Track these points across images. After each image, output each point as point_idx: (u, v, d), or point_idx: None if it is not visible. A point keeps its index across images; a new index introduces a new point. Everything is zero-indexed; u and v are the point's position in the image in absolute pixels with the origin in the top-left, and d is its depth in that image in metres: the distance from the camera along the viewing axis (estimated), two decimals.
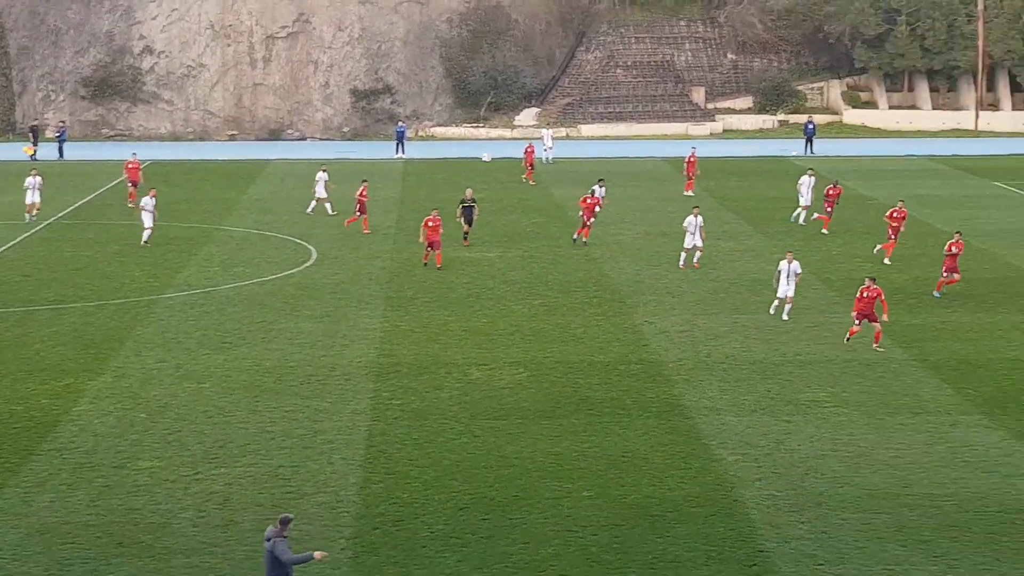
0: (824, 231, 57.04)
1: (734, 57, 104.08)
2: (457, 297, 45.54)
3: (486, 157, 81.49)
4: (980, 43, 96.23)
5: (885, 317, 38.83)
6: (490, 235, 55.09)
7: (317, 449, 30.65)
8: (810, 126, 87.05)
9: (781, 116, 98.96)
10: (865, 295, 38.57)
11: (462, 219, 54.11)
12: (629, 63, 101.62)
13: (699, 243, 49.59)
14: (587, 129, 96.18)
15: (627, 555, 25.22)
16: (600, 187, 59.69)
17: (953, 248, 45.24)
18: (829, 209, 57.56)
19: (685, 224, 49.75)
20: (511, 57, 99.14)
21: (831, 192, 58.04)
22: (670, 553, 25.30)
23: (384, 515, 26.95)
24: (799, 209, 59.22)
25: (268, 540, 21.77)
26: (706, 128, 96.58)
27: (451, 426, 32.22)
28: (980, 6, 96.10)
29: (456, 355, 38.38)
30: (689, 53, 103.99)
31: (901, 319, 42.37)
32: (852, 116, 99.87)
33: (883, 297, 38.70)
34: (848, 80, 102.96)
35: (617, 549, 25.47)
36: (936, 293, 45.27)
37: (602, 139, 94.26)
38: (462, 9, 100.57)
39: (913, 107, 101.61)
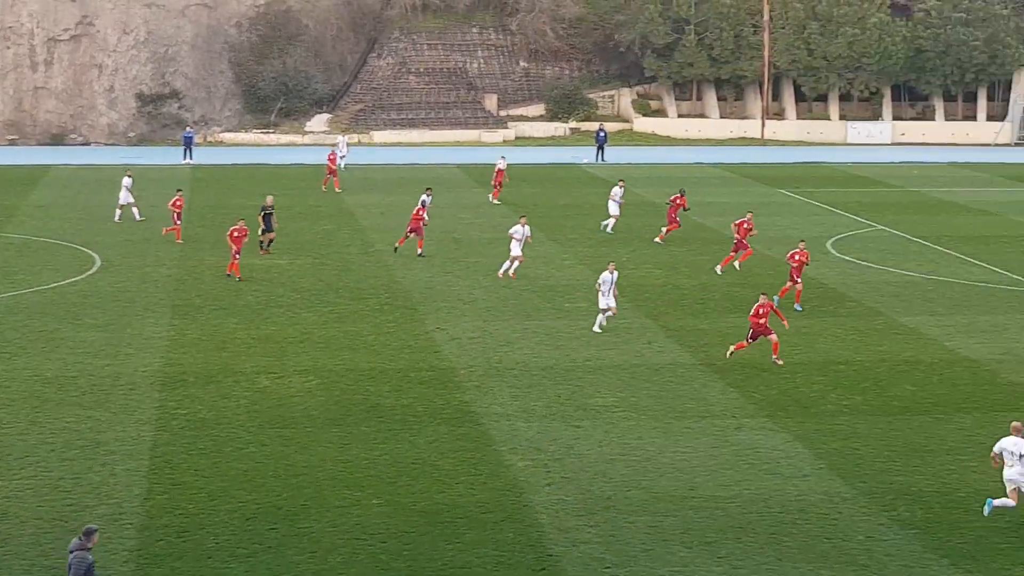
0: (659, 240, 57.37)
1: (526, 65, 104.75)
2: (246, 305, 44.93)
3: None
4: (766, 53, 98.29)
5: (785, 324, 39.01)
6: (280, 242, 54.49)
7: (99, 460, 29.92)
8: (601, 134, 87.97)
9: (573, 124, 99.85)
10: (761, 312, 37.87)
11: (263, 227, 53.34)
12: (421, 70, 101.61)
13: (519, 253, 49.01)
14: (379, 136, 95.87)
15: (416, 562, 25.09)
16: (427, 196, 59.46)
17: (797, 256, 45.11)
18: (674, 216, 57.87)
19: (512, 232, 49.43)
20: (302, 62, 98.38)
21: (677, 200, 58.47)
22: (459, 559, 25.24)
23: (168, 527, 26.41)
24: (610, 219, 59.63)
25: (72, 553, 21.27)
26: (499, 135, 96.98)
27: (239, 435, 31.74)
28: (766, 17, 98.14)
29: (244, 363, 37.84)
30: (481, 60, 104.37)
31: (688, 323, 43.01)
32: (642, 124, 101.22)
33: (776, 308, 38.96)
34: (638, 88, 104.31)
35: (407, 556, 25.32)
36: (797, 306, 44.74)
37: (395, 146, 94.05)
38: (251, 14, 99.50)
39: (702, 115, 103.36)
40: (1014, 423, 27.62)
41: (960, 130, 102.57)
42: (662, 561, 25.30)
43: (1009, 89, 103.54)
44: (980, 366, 38.65)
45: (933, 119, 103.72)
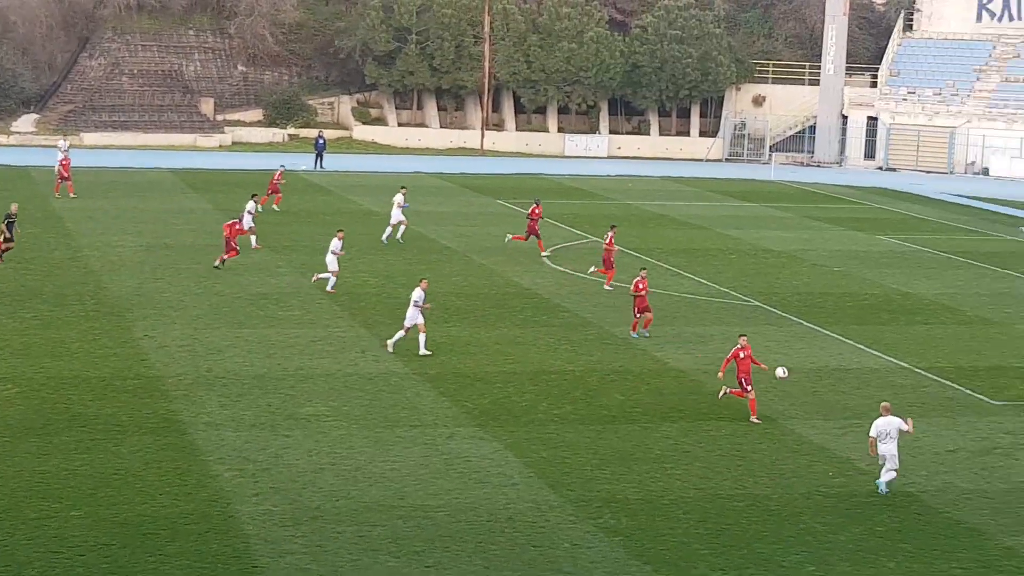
0: (544, 253, 57.28)
1: (244, 69, 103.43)
2: None
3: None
4: (486, 64, 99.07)
5: (764, 366, 36.23)
6: None
7: None
8: (320, 141, 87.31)
9: (291, 130, 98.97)
10: (741, 355, 35.16)
11: (6, 235, 51.27)
12: (135, 71, 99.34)
13: (336, 268, 47.71)
14: (90, 138, 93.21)
15: None
16: (403, 194, 58.89)
17: (640, 285, 43.56)
18: (533, 226, 57.60)
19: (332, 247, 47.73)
20: (9, 60, 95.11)
21: (535, 212, 58.13)
22: (162, 572, 24.57)
23: None
24: (389, 227, 59.07)
25: None
26: (215, 140, 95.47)
27: None
28: (487, 29, 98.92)
29: None
30: (198, 63, 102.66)
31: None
32: (362, 132, 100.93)
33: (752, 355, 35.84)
34: (359, 96, 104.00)
35: (106, 569, 24.54)
36: (646, 332, 43.57)
37: (107, 148, 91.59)
38: None
39: (422, 125, 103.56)
40: (884, 404, 30.65)
41: (674, 145, 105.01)
42: (370, 571, 25.06)
43: (721, 106, 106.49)
44: (687, 376, 39.43)
45: (648, 134, 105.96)
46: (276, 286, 49.10)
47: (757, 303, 49.95)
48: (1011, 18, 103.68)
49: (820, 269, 57.95)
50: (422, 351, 39.96)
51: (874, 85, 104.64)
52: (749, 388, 35.16)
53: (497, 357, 40.22)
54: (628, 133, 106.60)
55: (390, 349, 40.22)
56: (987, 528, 28.41)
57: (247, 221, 55.28)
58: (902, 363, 41.85)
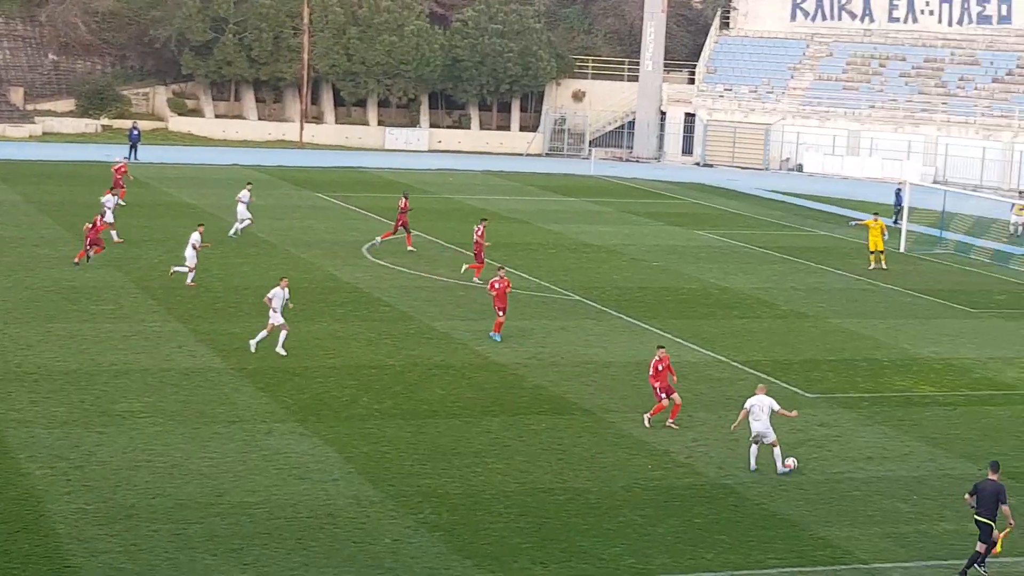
0: (410, 248, 56.64)
1: (56, 58, 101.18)
2: None
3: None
4: (305, 56, 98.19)
5: (674, 378, 35.11)
6: None
7: None
8: (135, 132, 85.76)
9: (105, 120, 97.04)
10: (660, 368, 34.24)
11: None
12: None
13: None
14: None
15: None
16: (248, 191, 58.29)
17: (496, 284, 42.67)
18: (403, 220, 56.94)
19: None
20: None
21: (404, 206, 57.51)
22: None
23: None
24: (237, 224, 57.99)
25: None
26: (25, 130, 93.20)
27: None
28: (306, 20, 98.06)
29: None
30: (7, 52, 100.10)
31: (221, 327, 42.24)
32: (178, 123, 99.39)
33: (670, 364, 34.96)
34: (175, 87, 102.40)
35: None
36: (496, 335, 42.61)
37: None
38: None
39: (240, 117, 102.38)
40: (760, 385, 32.31)
41: (495, 139, 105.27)
42: (186, 569, 24.57)
43: (541, 101, 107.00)
44: (507, 370, 39.43)
45: (469, 128, 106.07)
46: (89, 280, 48.02)
47: (577, 297, 50.19)
48: (824, 17, 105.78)
49: (639, 264, 58.45)
50: (278, 349, 39.28)
51: (692, 82, 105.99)
52: (672, 395, 34.35)
53: (317, 352, 39.81)
54: (449, 127, 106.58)
55: (252, 348, 39.44)
56: (802, 519, 28.83)
57: (108, 216, 54.03)
58: (720, 356, 42.34)
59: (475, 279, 51.04)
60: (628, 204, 77.82)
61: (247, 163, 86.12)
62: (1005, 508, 26.08)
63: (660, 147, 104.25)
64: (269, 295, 39.67)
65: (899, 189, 71.91)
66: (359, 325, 43.73)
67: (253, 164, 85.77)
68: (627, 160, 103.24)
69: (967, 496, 26.61)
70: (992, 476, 26.44)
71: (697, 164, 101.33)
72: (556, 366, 40.17)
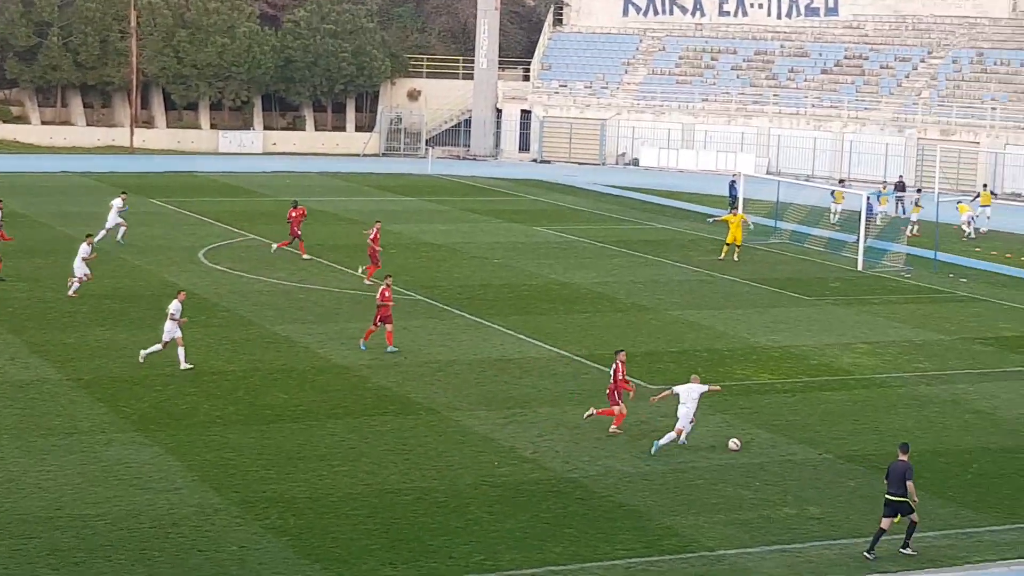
0: (305, 256, 55.75)
1: None
2: None
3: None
4: (133, 60, 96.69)
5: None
6: None
7: None
8: None
9: None
10: (620, 376, 33.85)
11: None
12: None
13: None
14: None
15: None
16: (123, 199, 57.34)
17: (387, 294, 41.65)
18: (298, 233, 56.13)
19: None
20: None
21: (294, 214, 56.65)
22: None
23: None
24: (103, 231, 56.74)
25: None
26: None
27: None
28: (133, 23, 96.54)
29: None
30: None
31: (54, 338, 41.43)
32: (3, 131, 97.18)
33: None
34: None
35: None
36: (392, 347, 41.43)
37: None
38: None
39: (67, 123, 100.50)
40: (693, 375, 33.79)
41: (330, 140, 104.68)
42: None
43: (377, 100, 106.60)
44: (351, 372, 39.18)
45: (304, 129, 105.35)
46: None
47: (419, 296, 50.05)
48: (656, 12, 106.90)
49: (480, 261, 58.49)
50: (183, 365, 38.47)
51: (527, 79, 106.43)
52: (620, 403, 33.93)
53: (155, 359, 39.13)
54: (283, 129, 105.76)
55: (141, 359, 38.67)
56: (648, 509, 29.04)
57: None
58: (562, 352, 42.51)
59: (366, 280, 51.02)
60: (467, 202, 77.86)
61: (77, 170, 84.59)
62: (910, 484, 26.87)
63: (497, 145, 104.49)
64: (171, 309, 38.80)
65: (733, 181, 72.85)
66: (198, 331, 43.01)
67: (83, 171, 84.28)
68: (464, 158, 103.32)
69: (886, 480, 27.38)
70: (902, 457, 27.25)
71: (534, 161, 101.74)
72: (400, 366, 40.01)
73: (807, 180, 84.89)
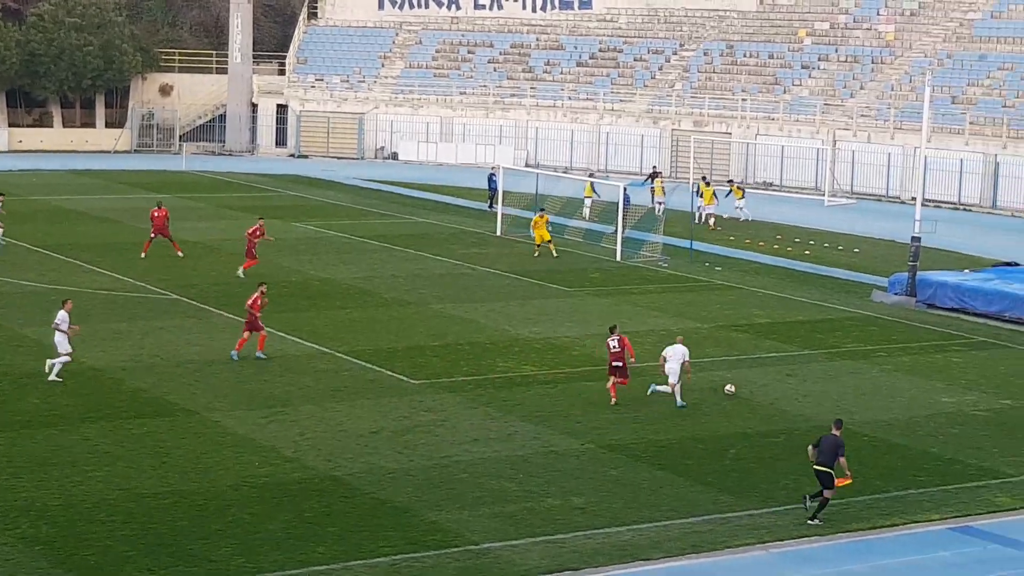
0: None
1: None
2: None
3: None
4: None
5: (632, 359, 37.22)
6: None
7: None
8: None
9: None
10: (614, 348, 36.87)
11: None
12: None
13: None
14: None
15: None
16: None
17: (260, 302, 40.48)
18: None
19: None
20: None
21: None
22: None
23: None
24: None
25: None
26: None
27: None
28: None
29: None
30: None
31: None
32: None
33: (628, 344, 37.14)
34: None
35: None
36: (261, 354, 40.47)
37: None
38: None
39: None
40: (679, 337, 37.85)
41: (80, 137, 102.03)
42: None
43: (127, 96, 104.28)
44: (105, 374, 38.17)
45: (52, 126, 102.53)
46: None
47: (175, 295, 49.04)
48: (412, 6, 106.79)
49: (238, 258, 57.49)
50: (52, 377, 36.97)
51: (282, 73, 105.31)
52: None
53: None
54: (30, 126, 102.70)
55: (53, 377, 37.03)
56: (412, 505, 28.82)
57: None
58: (323, 348, 42.06)
59: (239, 272, 51.87)
60: (223, 199, 76.67)
61: None
62: (842, 460, 28.44)
63: (253, 140, 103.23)
64: (57, 319, 37.27)
65: (492, 174, 73.10)
66: None
67: None
68: (220, 154, 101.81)
69: (810, 448, 28.81)
70: (835, 431, 28.72)
71: (292, 156, 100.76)
72: (155, 367, 39.10)
73: (565, 172, 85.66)
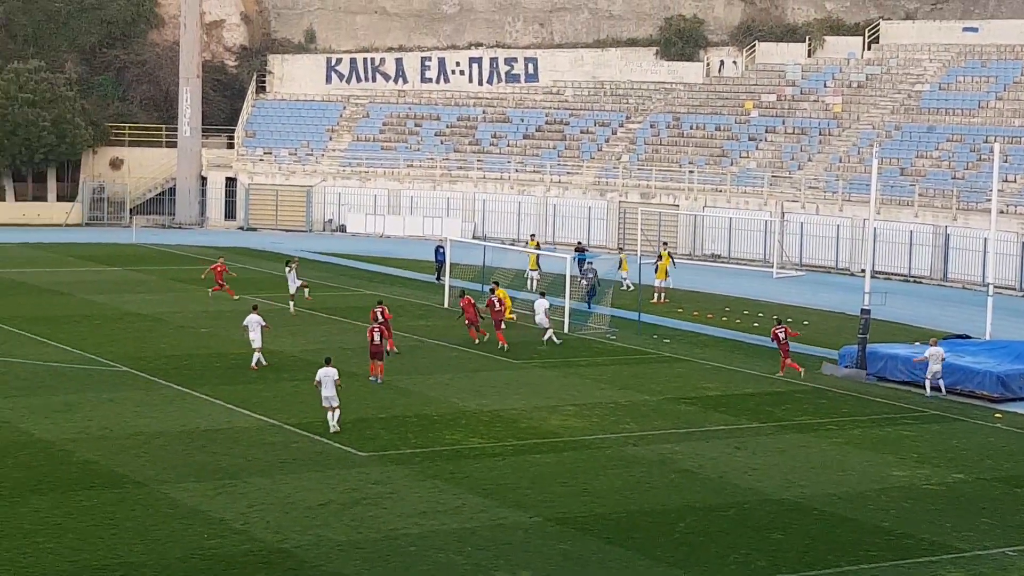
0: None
1: None
2: None
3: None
4: None
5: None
6: None
7: None
8: None
9: None
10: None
11: None
12: None
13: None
14: None
15: None
16: None
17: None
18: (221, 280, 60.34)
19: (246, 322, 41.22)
20: None
21: (218, 268, 60.73)
22: None
23: None
24: None
25: None
26: None
27: None
28: None
29: None
30: None
31: None
32: None
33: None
34: None
35: None
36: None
37: None
38: None
39: None
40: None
41: (32, 210, 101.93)
42: None
43: (79, 169, 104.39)
44: (55, 446, 38.19)
45: (4, 199, 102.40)
46: None
47: (125, 368, 49.13)
48: (359, 79, 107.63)
49: (186, 331, 57.71)
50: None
51: (231, 146, 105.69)
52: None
53: None
54: None
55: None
56: None
57: None
58: (272, 420, 42.21)
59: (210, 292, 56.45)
60: (172, 271, 76.77)
61: None
62: None
63: (203, 212, 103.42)
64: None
65: (439, 247, 73.49)
66: None
67: None
68: (170, 227, 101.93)
69: None
70: None
71: (241, 228, 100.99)
72: (106, 439, 39.18)
73: (512, 244, 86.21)
